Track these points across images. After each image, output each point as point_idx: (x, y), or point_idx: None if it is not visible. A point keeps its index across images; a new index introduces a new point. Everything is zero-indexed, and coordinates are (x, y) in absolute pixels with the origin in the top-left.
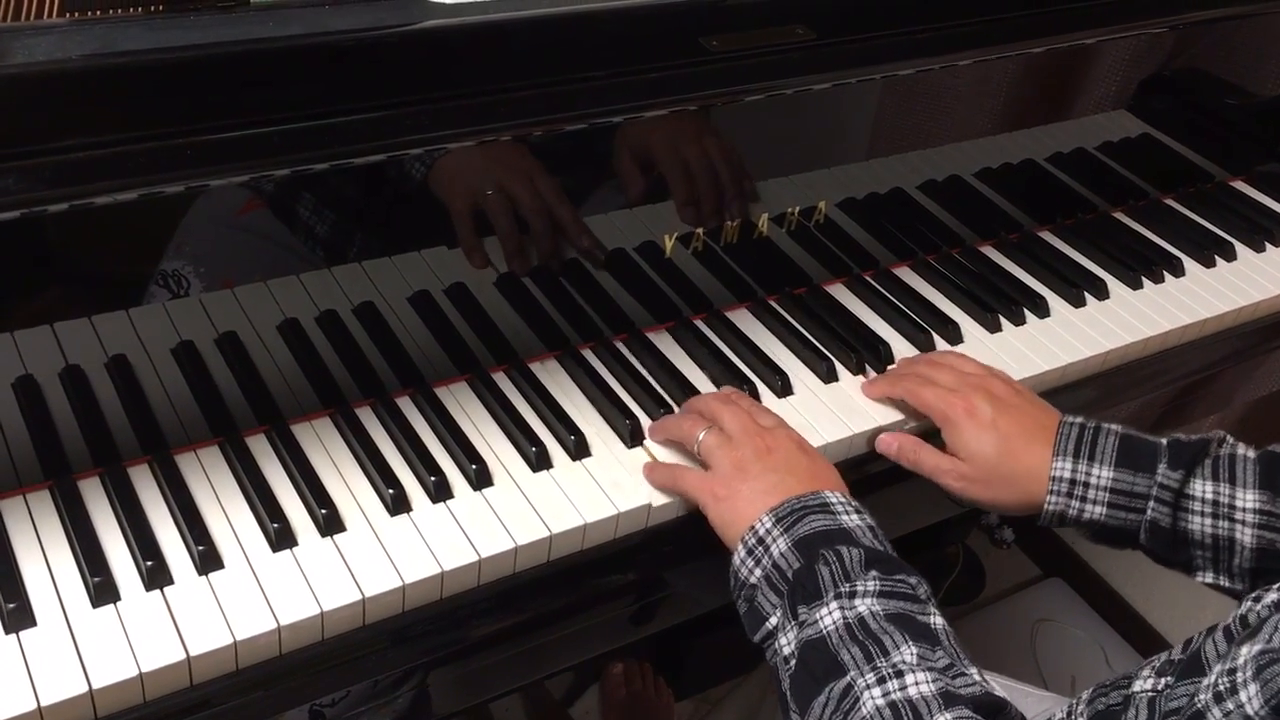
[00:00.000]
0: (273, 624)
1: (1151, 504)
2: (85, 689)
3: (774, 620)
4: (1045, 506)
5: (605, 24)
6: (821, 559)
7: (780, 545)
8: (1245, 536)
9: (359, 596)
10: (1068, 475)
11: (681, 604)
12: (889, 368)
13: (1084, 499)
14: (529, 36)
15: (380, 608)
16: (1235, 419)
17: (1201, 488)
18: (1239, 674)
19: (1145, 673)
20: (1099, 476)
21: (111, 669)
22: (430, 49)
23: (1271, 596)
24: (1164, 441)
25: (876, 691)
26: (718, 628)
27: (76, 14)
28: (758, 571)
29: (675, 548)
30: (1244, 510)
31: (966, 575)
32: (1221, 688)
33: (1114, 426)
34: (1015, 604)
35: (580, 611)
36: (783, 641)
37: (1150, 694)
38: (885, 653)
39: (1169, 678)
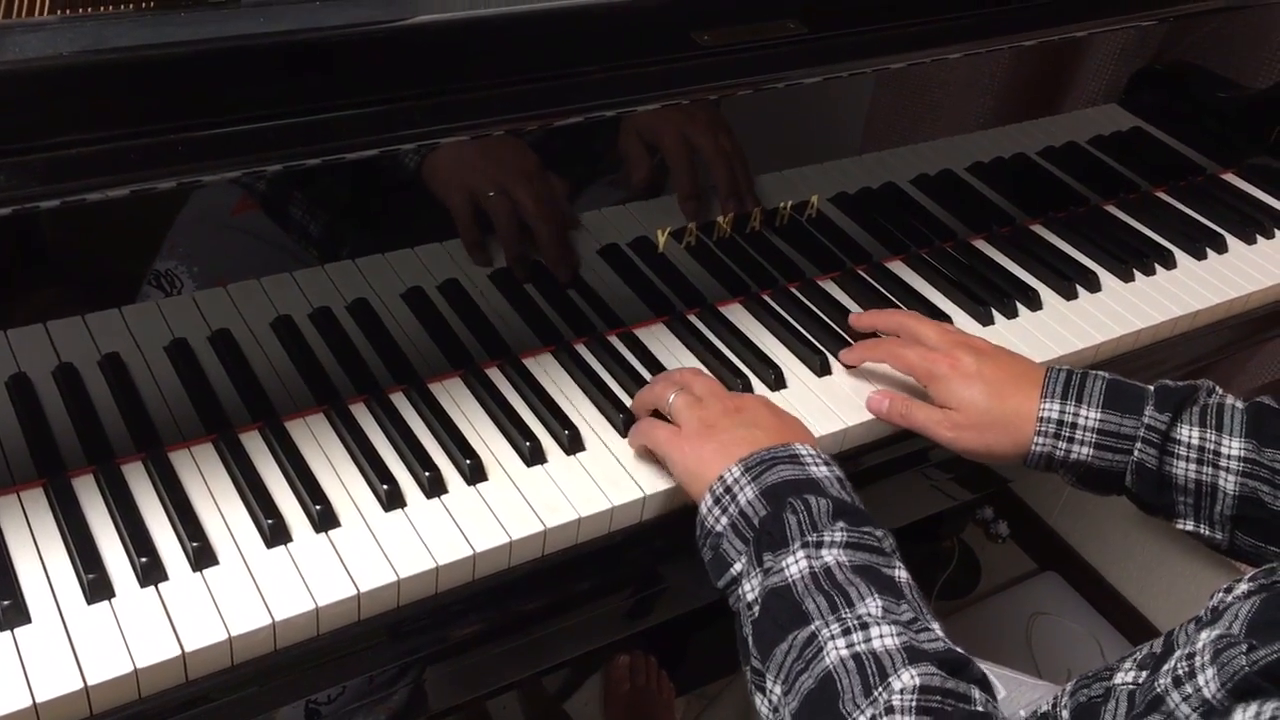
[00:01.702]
0: (268, 619)
1: (1138, 445)
2: (81, 685)
3: (738, 566)
4: (1033, 448)
5: (597, 19)
6: (789, 507)
7: (748, 493)
8: (1228, 483)
9: (354, 591)
10: (1055, 416)
11: (677, 598)
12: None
13: (1071, 439)
14: (521, 31)
15: (376, 603)
16: None
17: (1188, 433)
18: (1197, 658)
19: (1127, 665)
20: (1087, 417)
21: (107, 665)
22: (422, 44)
23: (1242, 587)
24: (1151, 387)
25: (841, 643)
26: (717, 622)
27: (67, 10)
28: (724, 519)
29: (670, 541)
30: (1228, 457)
31: (962, 569)
32: (1180, 672)
33: (1102, 373)
34: (1011, 598)
35: (576, 606)
36: (746, 588)
37: (1131, 687)
38: (850, 604)
39: (1149, 670)
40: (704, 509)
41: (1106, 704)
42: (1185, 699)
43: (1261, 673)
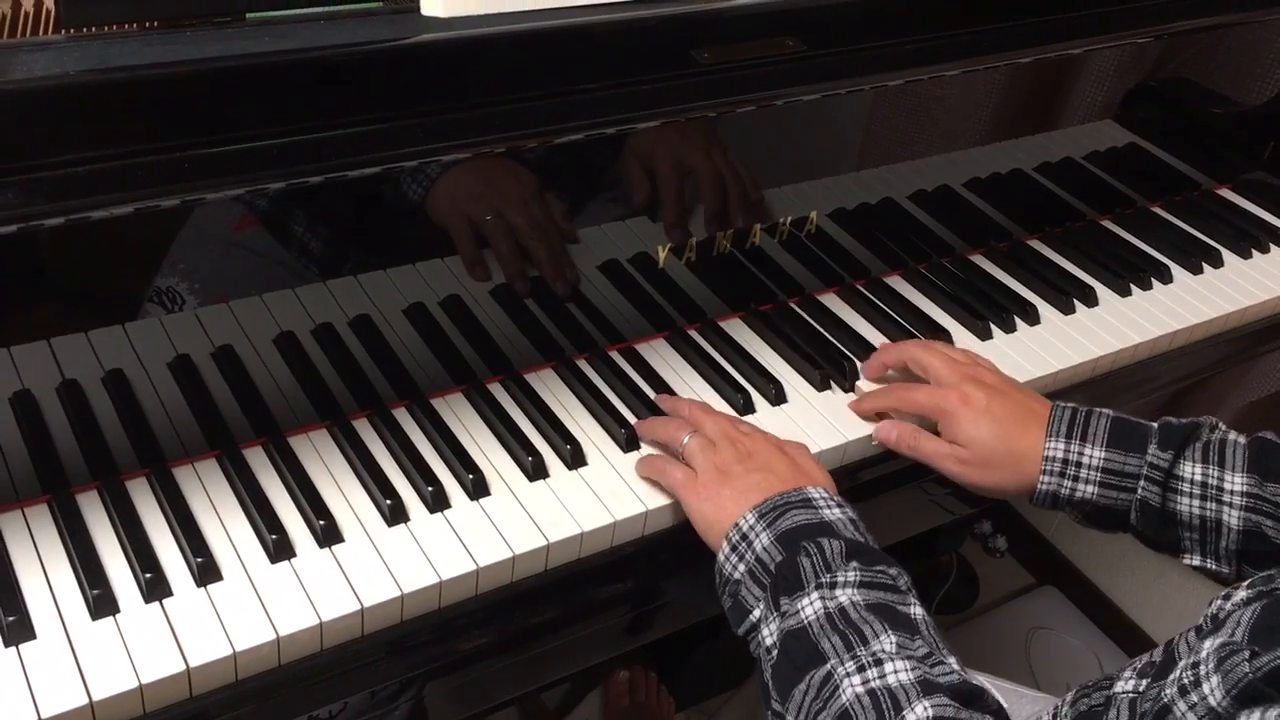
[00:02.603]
0: (271, 635)
1: (1142, 484)
2: (85, 701)
3: (757, 613)
4: (1039, 486)
5: (598, 37)
6: (803, 551)
7: (763, 540)
8: (1232, 519)
9: (357, 607)
10: (1060, 455)
11: (678, 612)
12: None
13: (1076, 478)
14: (522, 50)
15: (378, 618)
16: (1226, 424)
17: (1191, 469)
18: (1202, 667)
19: (1127, 674)
20: (1091, 456)
21: (111, 681)
22: (424, 62)
23: (1241, 594)
24: (1155, 424)
25: (856, 679)
26: (717, 637)
27: (74, 30)
28: (741, 567)
29: (671, 556)
30: (1232, 493)
31: (960, 584)
32: (1186, 681)
33: (1106, 411)
34: (1009, 612)
35: (578, 621)
36: (765, 633)
37: (1132, 695)
38: (865, 641)
39: (1150, 679)
40: (721, 557)
41: (1107, 712)
42: (1191, 708)
43: (1266, 679)
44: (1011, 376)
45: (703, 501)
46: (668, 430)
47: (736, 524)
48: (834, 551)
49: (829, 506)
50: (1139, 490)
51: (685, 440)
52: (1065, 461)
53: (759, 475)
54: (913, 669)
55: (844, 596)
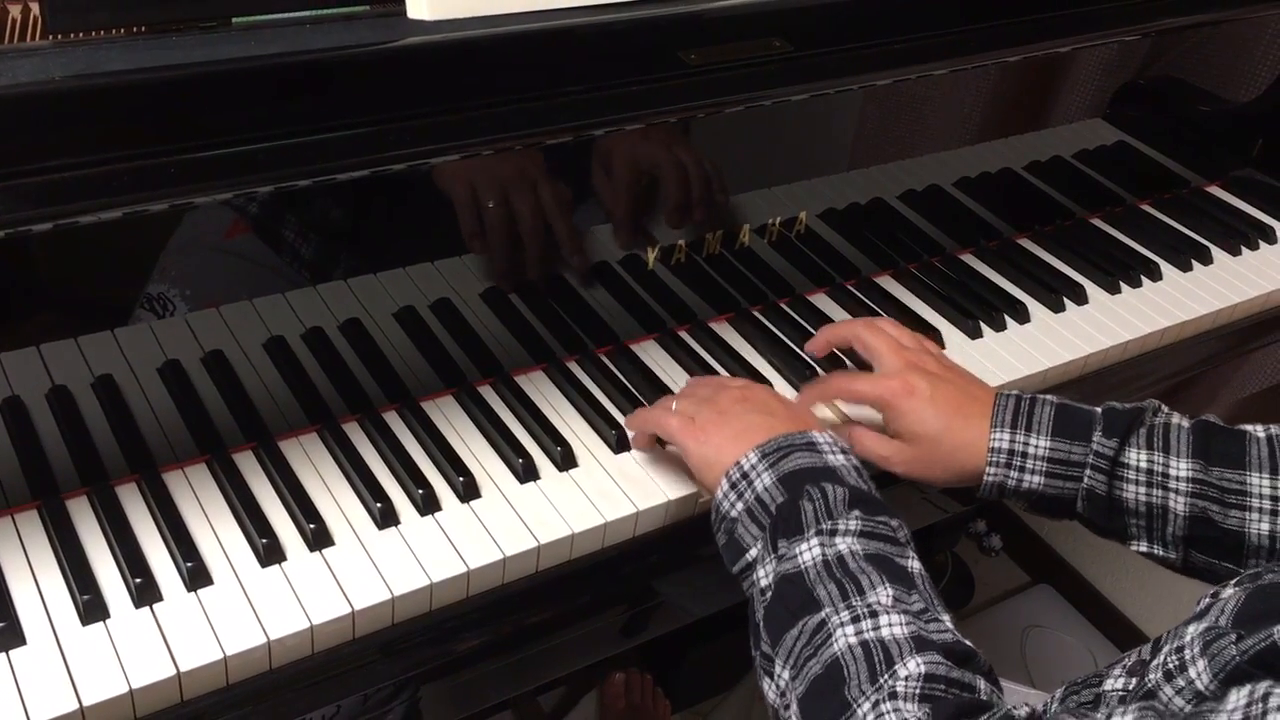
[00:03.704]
0: (262, 639)
1: (1088, 472)
2: (76, 706)
3: (754, 552)
4: (984, 478)
5: (584, 39)
6: (806, 494)
7: (765, 480)
8: (1178, 504)
9: (348, 610)
10: (1006, 446)
11: (671, 613)
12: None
13: (1022, 469)
14: (509, 52)
15: (369, 621)
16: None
17: (1136, 456)
18: (1186, 651)
19: (1117, 671)
20: (1036, 446)
21: (102, 686)
22: (410, 66)
23: (1229, 591)
24: (1099, 410)
25: (850, 629)
26: (713, 639)
27: (60, 36)
28: (740, 505)
29: (662, 557)
30: (1177, 479)
31: (955, 583)
32: (1171, 665)
33: (1050, 397)
34: (1005, 611)
35: (571, 622)
36: (761, 573)
37: (1121, 693)
38: (861, 591)
39: (1139, 676)
40: (720, 494)
41: (1097, 710)
42: (1178, 692)
43: (1252, 661)
44: (959, 364)
45: (701, 444)
46: (653, 411)
47: (738, 462)
48: (837, 498)
49: (833, 451)
50: (1085, 479)
51: (674, 406)
52: (1011, 453)
53: (759, 416)
54: (907, 623)
55: (843, 544)
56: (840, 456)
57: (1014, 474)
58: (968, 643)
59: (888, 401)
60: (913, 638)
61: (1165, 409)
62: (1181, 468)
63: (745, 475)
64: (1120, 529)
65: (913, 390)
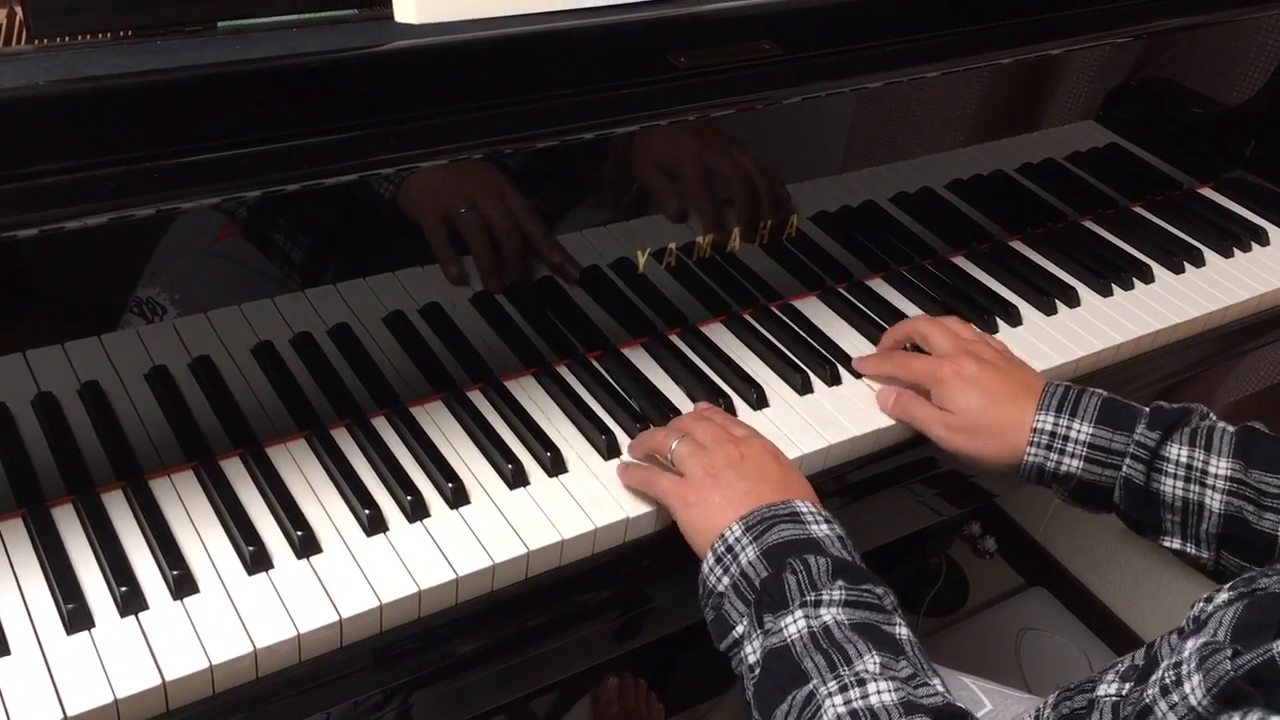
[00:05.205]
0: (249, 647)
1: (1127, 461)
2: (60, 717)
3: (740, 629)
4: (1025, 458)
5: (573, 42)
6: (789, 568)
7: (749, 554)
8: (1214, 502)
9: (336, 618)
10: (1049, 428)
11: (663, 618)
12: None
13: (1062, 452)
14: (498, 56)
15: (358, 628)
16: None
17: (1176, 451)
18: (1183, 666)
19: (1110, 676)
20: (1079, 431)
21: (87, 696)
22: (398, 69)
23: (1223, 596)
24: (1146, 408)
25: (838, 699)
26: (704, 643)
27: (44, 40)
28: (725, 580)
29: (654, 562)
30: (1215, 476)
31: (950, 586)
32: (1168, 681)
33: (1099, 390)
34: (999, 614)
35: (561, 628)
36: (748, 650)
37: (1115, 699)
38: (848, 661)
39: (1132, 682)
40: (705, 569)
41: (1090, 716)
42: (1172, 708)
43: (1246, 677)
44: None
45: (690, 508)
46: (655, 439)
47: (722, 535)
48: (820, 569)
49: (817, 522)
50: (1124, 468)
51: (674, 445)
52: (1053, 435)
53: (748, 483)
54: (895, 689)
55: (828, 615)
56: (824, 527)
57: (1054, 456)
58: (959, 705)
59: (935, 376)
60: (902, 703)
61: (1211, 414)
62: (1221, 466)
63: (730, 549)
64: (1155, 523)
65: (960, 370)
